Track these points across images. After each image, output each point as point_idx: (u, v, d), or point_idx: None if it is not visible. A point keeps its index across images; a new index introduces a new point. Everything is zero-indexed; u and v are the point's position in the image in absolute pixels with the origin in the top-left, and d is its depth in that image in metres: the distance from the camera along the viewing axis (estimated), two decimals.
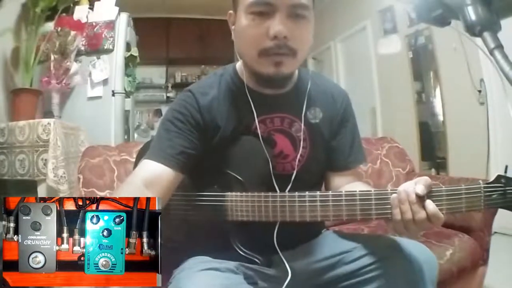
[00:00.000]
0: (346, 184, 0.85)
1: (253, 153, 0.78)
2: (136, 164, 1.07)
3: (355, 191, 0.69)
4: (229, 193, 0.75)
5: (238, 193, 0.75)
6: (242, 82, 0.82)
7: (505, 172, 0.63)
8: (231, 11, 0.79)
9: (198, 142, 0.79)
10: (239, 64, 0.84)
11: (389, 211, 0.66)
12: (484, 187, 0.62)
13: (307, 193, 0.71)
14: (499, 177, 0.62)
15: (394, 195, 0.66)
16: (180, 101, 0.82)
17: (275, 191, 0.75)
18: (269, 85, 0.79)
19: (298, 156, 0.81)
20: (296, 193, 0.71)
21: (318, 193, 0.70)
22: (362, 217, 0.68)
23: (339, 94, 0.89)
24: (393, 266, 0.72)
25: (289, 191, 0.76)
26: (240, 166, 0.77)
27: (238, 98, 0.81)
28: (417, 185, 0.64)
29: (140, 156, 1.07)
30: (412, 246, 0.75)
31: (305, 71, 0.88)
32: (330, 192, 0.71)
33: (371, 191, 0.68)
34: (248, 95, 0.80)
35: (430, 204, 0.63)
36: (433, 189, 0.64)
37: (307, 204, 0.70)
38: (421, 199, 0.63)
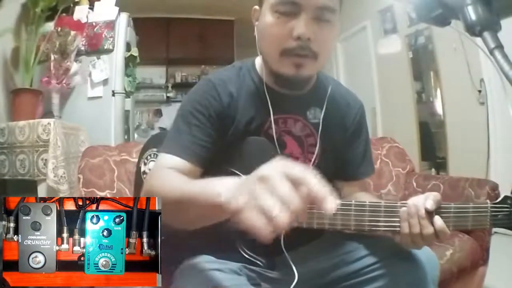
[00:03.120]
0: (353, 194, 0.85)
1: (263, 154, 0.75)
2: (140, 159, 1.05)
3: (365, 202, 0.68)
4: None
5: None
6: (259, 78, 0.80)
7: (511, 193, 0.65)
8: (256, 7, 0.78)
9: (217, 135, 0.76)
10: (258, 60, 0.83)
11: (398, 224, 0.67)
12: (491, 207, 0.64)
13: None
14: (505, 198, 0.64)
15: (403, 208, 0.66)
16: (200, 91, 0.79)
17: None
18: (287, 85, 0.78)
19: (309, 158, 0.80)
20: None
21: None
22: (370, 228, 0.68)
23: (355, 103, 0.88)
24: (396, 265, 0.72)
25: None
26: (248, 166, 0.74)
27: (255, 95, 0.79)
28: (427, 201, 0.64)
29: (145, 149, 1.05)
30: None
31: (325, 75, 0.87)
32: (339, 201, 0.69)
33: (381, 203, 0.68)
34: (266, 93, 0.78)
35: (438, 220, 0.64)
36: (441, 206, 0.65)
37: (315, 211, 0.68)
38: (430, 214, 0.64)
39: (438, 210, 0.65)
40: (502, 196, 0.66)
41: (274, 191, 0.40)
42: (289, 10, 0.69)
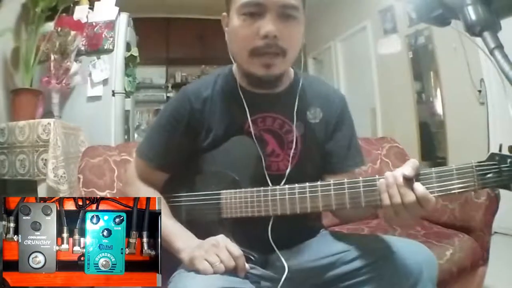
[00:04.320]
0: None
1: (247, 152, 0.79)
2: None
3: (343, 180, 0.69)
4: (222, 191, 0.77)
5: (232, 190, 0.76)
6: (236, 82, 0.83)
7: (500, 150, 0.61)
8: (224, 13, 0.81)
9: (188, 143, 0.83)
10: (235, 65, 0.86)
11: (379, 197, 0.65)
12: (476, 166, 0.60)
13: (296, 185, 0.71)
14: (493, 155, 0.60)
15: (381, 180, 0.65)
16: (175, 101, 0.86)
17: None
18: (261, 85, 0.81)
19: (289, 154, 0.82)
20: (286, 186, 0.72)
21: (307, 184, 0.71)
22: (352, 206, 0.67)
23: (335, 97, 0.89)
24: (391, 266, 0.72)
25: None
26: (235, 165, 0.78)
27: (231, 97, 0.83)
28: (404, 167, 0.63)
29: None
30: (411, 246, 0.75)
31: (303, 73, 0.89)
32: (319, 183, 0.71)
33: (359, 178, 0.68)
34: (241, 95, 0.81)
35: (419, 186, 0.61)
36: (422, 172, 0.63)
37: (297, 196, 0.71)
38: (409, 181, 0.62)
39: (418, 177, 0.63)
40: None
41: (219, 253, 0.66)
42: (254, 11, 0.72)
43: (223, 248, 0.66)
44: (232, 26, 0.76)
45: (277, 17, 0.72)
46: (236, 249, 0.67)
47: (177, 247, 0.71)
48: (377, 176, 0.66)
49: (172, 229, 0.74)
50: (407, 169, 0.62)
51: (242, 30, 0.74)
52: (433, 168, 0.63)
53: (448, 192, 0.62)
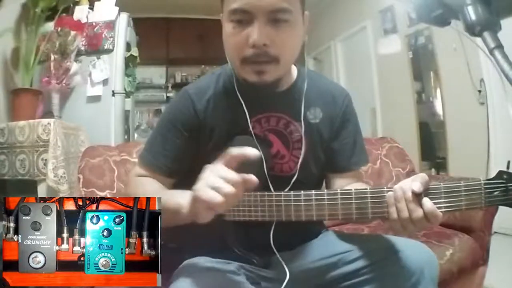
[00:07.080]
0: (348, 186, 0.84)
1: None
2: None
3: (351, 190, 0.67)
4: None
5: None
6: (238, 81, 0.81)
7: (508, 168, 0.60)
8: (221, 14, 0.79)
9: (193, 145, 0.80)
10: None
11: (386, 210, 0.64)
12: (485, 184, 0.60)
13: (302, 192, 0.69)
14: (501, 173, 0.60)
15: (390, 193, 0.64)
16: (176, 103, 0.84)
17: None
18: (259, 88, 0.78)
19: (295, 155, 0.81)
20: (292, 192, 0.70)
21: (313, 192, 0.69)
22: (358, 216, 0.66)
23: (339, 94, 0.87)
24: (393, 266, 0.72)
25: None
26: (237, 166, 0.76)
27: (234, 97, 0.80)
28: (414, 182, 0.62)
29: None
30: (412, 246, 0.75)
31: (303, 70, 0.87)
32: (325, 191, 0.69)
33: (366, 189, 0.67)
34: (244, 94, 0.79)
35: (427, 202, 0.61)
36: (430, 187, 0.62)
37: (302, 203, 0.69)
38: (418, 196, 0.61)
39: (427, 192, 0.62)
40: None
41: (217, 173, 0.56)
42: (242, 18, 0.69)
43: (220, 167, 0.57)
44: (224, 31, 0.74)
45: (267, 23, 0.68)
46: (233, 174, 0.57)
47: (176, 203, 0.64)
48: (385, 188, 0.65)
49: (167, 195, 0.68)
50: (416, 184, 0.61)
51: (232, 38, 0.72)
52: (441, 183, 0.62)
53: (456, 209, 0.61)
